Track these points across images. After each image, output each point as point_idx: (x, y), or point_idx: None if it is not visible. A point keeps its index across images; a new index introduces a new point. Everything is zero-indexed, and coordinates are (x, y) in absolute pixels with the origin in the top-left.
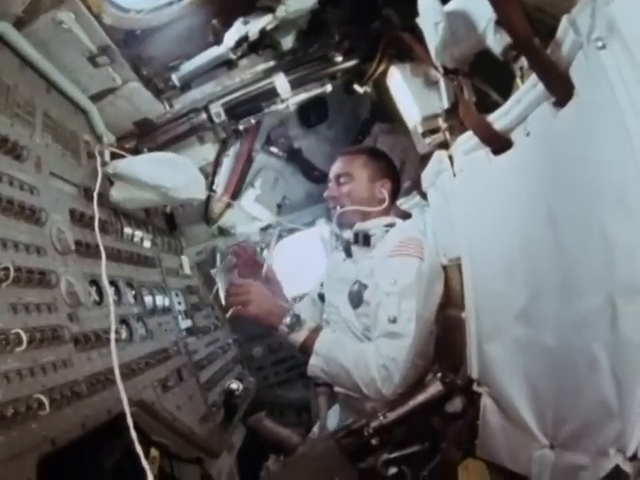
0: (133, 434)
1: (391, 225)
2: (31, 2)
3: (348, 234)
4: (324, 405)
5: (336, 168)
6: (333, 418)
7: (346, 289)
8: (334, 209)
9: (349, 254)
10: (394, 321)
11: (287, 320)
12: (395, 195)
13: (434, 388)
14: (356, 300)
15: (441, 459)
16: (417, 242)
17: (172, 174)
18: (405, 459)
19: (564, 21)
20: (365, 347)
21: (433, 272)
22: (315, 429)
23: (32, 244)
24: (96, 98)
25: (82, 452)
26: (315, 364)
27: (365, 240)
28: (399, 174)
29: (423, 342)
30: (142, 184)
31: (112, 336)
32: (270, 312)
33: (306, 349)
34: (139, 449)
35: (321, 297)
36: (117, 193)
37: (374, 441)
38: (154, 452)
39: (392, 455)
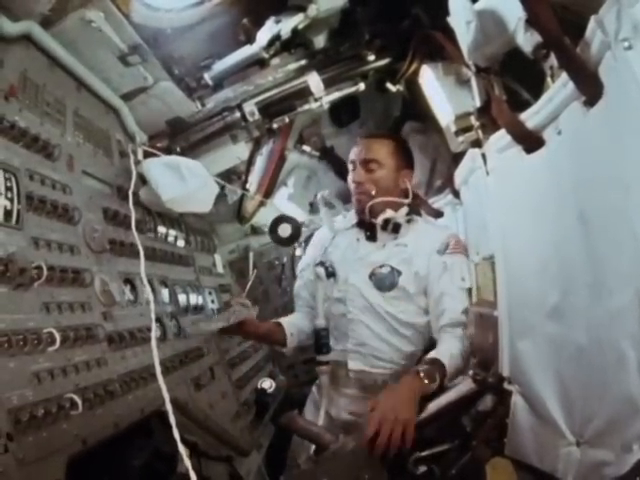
0: (176, 435)
1: (410, 214)
2: (58, 1)
3: (377, 220)
4: (326, 384)
5: (363, 152)
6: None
7: (365, 270)
8: (358, 194)
9: (373, 238)
10: (466, 312)
11: (430, 385)
12: None
13: (466, 386)
14: (387, 283)
15: (470, 457)
16: (462, 241)
17: (173, 184)
18: (435, 457)
19: (592, 21)
20: (453, 344)
21: None
22: (307, 409)
23: (65, 243)
24: (127, 97)
25: (110, 451)
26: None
27: (394, 228)
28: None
29: None
30: (152, 188)
31: (153, 334)
32: (414, 401)
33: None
34: (182, 449)
35: (328, 275)
36: (142, 193)
37: None
38: (185, 451)
39: (423, 453)
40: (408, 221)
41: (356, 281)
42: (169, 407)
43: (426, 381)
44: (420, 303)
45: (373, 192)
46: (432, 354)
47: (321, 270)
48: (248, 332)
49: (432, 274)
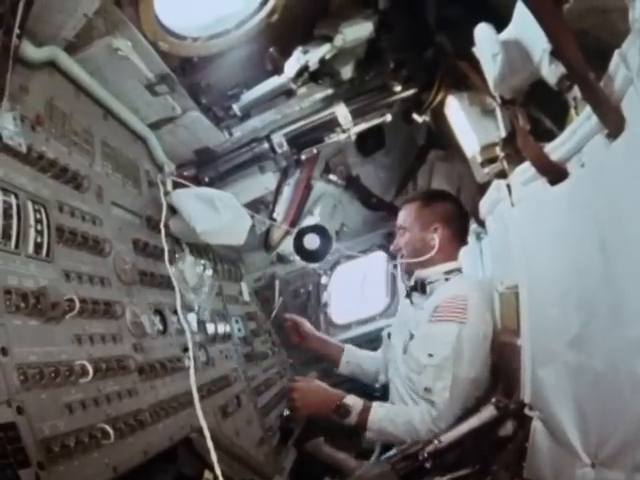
0: (217, 468)
1: (451, 272)
2: (83, 27)
3: (411, 281)
4: None
5: (397, 220)
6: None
7: (406, 332)
8: (400, 258)
9: (412, 300)
10: (429, 391)
11: (338, 410)
12: (459, 236)
13: (488, 412)
14: (405, 347)
15: None
16: (460, 302)
17: (207, 217)
18: None
19: (616, 56)
20: (412, 414)
21: (477, 333)
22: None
23: (96, 275)
24: (155, 126)
25: (135, 474)
26: (370, 436)
27: (422, 287)
28: (460, 212)
29: (469, 391)
30: (184, 220)
31: (191, 363)
32: (318, 409)
33: (359, 427)
34: (220, 474)
35: (389, 335)
36: (172, 224)
37: (428, 465)
38: (208, 475)
39: (444, 478)
40: (447, 279)
41: (395, 343)
42: (209, 439)
43: (338, 403)
44: None
45: (403, 256)
46: (381, 402)
47: (387, 332)
48: (307, 333)
49: None
